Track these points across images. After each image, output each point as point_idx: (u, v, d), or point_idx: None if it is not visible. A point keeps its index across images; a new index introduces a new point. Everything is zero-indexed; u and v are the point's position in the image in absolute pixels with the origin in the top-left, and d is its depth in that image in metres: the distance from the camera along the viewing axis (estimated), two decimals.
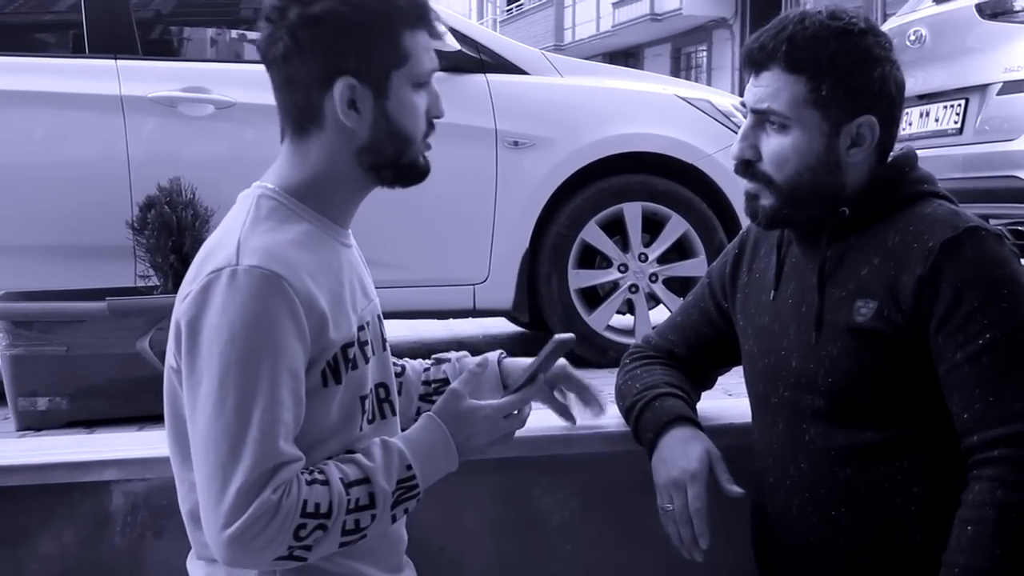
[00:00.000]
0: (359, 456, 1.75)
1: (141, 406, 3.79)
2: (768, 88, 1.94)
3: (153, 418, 3.66)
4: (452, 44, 4.76)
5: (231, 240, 1.70)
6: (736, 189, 5.06)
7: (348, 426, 1.79)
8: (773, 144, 1.95)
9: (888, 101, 1.96)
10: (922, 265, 1.84)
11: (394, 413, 1.92)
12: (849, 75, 1.91)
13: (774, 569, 2.10)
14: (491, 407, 1.87)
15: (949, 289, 1.82)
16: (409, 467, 1.77)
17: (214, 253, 1.71)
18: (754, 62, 1.96)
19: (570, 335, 1.96)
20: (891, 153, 2.02)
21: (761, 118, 1.96)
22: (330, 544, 1.70)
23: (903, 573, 1.91)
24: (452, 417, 1.85)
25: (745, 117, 2.01)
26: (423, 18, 1.79)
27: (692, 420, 2.14)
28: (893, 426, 1.91)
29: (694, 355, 2.28)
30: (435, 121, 1.86)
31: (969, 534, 1.77)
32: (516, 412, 1.91)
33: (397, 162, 1.81)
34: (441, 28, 1.89)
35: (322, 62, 1.74)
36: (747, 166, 1.99)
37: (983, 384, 1.80)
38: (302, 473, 1.67)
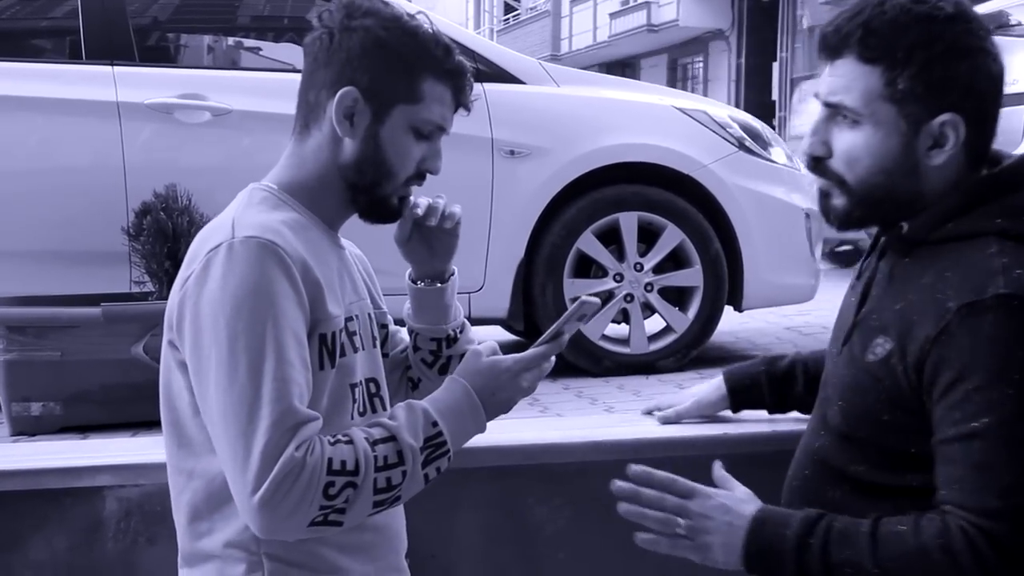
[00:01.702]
0: (382, 419, 1.78)
1: (135, 412, 3.79)
2: (841, 79, 1.77)
3: (147, 424, 3.66)
4: None
5: (226, 222, 1.76)
6: (731, 199, 5.09)
7: (339, 413, 1.81)
8: (845, 141, 1.79)
9: (978, 97, 1.77)
10: (934, 325, 1.69)
11: (384, 408, 1.94)
12: (930, 67, 1.72)
13: None
14: (512, 360, 1.88)
15: (956, 360, 1.67)
16: (435, 424, 1.78)
17: (210, 236, 1.76)
18: (828, 48, 1.79)
19: (595, 299, 1.93)
20: (1005, 160, 1.86)
21: (833, 111, 1.80)
22: (364, 504, 1.70)
23: None
24: (473, 374, 1.86)
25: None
26: (452, 76, 1.87)
27: (730, 378, 2.37)
28: (883, 470, 1.82)
29: None
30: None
31: (888, 532, 1.70)
32: (537, 366, 1.91)
33: (372, 190, 1.88)
34: (471, 97, 1.93)
35: (340, 69, 1.83)
36: (817, 163, 1.84)
37: (969, 469, 1.66)
38: (326, 437, 1.69)
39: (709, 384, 2.44)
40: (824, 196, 1.87)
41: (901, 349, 1.75)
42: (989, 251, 1.72)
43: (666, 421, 2.42)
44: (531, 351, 1.90)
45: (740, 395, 2.38)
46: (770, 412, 2.36)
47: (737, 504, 1.83)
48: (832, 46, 1.79)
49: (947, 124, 1.75)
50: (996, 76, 1.78)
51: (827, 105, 1.82)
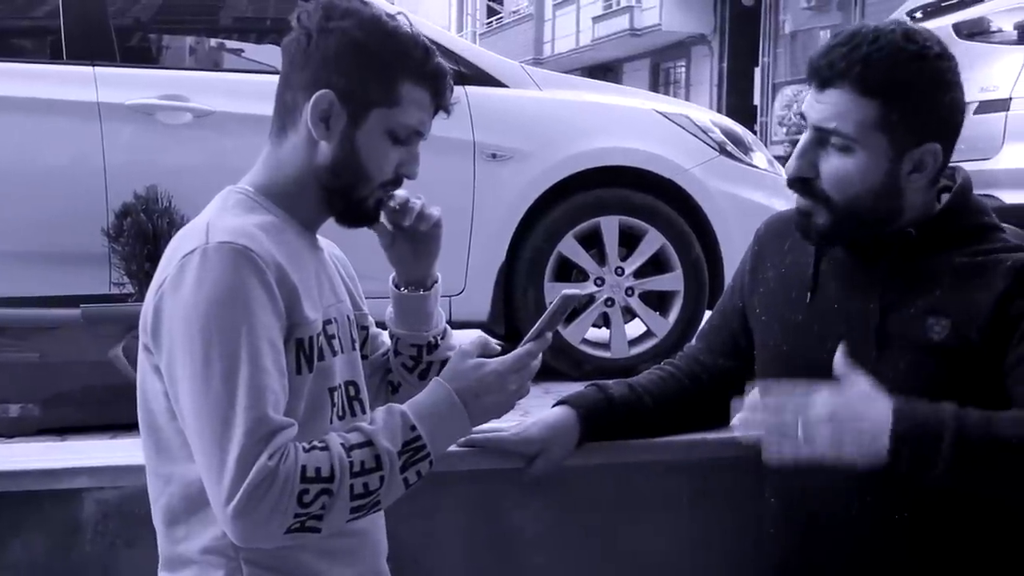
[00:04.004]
0: (360, 423, 1.76)
1: (114, 414, 3.76)
2: (835, 107, 1.90)
3: (126, 426, 3.64)
4: None
5: (200, 227, 1.74)
6: (712, 203, 5.11)
7: (317, 418, 1.79)
8: (835, 165, 1.92)
9: (954, 128, 1.95)
10: (1003, 281, 1.86)
11: (364, 411, 1.92)
12: (921, 102, 1.89)
13: (809, 567, 2.07)
14: (498, 362, 1.85)
15: None
16: (413, 428, 1.76)
17: (185, 240, 1.74)
18: (821, 78, 1.92)
19: (577, 291, 1.94)
20: (953, 175, 2.03)
21: (823, 136, 1.92)
22: (341, 510, 1.69)
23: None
24: (455, 375, 1.84)
25: (791, 131, 1.98)
26: (431, 79, 1.85)
27: (571, 403, 2.21)
28: None
29: (718, 360, 2.27)
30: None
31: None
32: (524, 367, 1.89)
33: (347, 194, 1.86)
34: (451, 100, 1.93)
35: (317, 71, 1.81)
36: (804, 183, 1.96)
37: None
38: (301, 443, 1.67)
39: (549, 427, 2.20)
40: (805, 215, 1.99)
41: (968, 317, 1.88)
42: (1002, 237, 1.95)
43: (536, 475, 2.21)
44: (516, 351, 1.88)
45: (592, 425, 2.22)
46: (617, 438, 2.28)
47: (869, 390, 1.78)
48: (826, 76, 1.91)
49: (928, 152, 1.92)
50: (964, 108, 1.97)
51: (818, 129, 1.93)
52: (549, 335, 1.92)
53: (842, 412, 1.75)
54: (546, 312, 1.91)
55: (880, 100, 1.87)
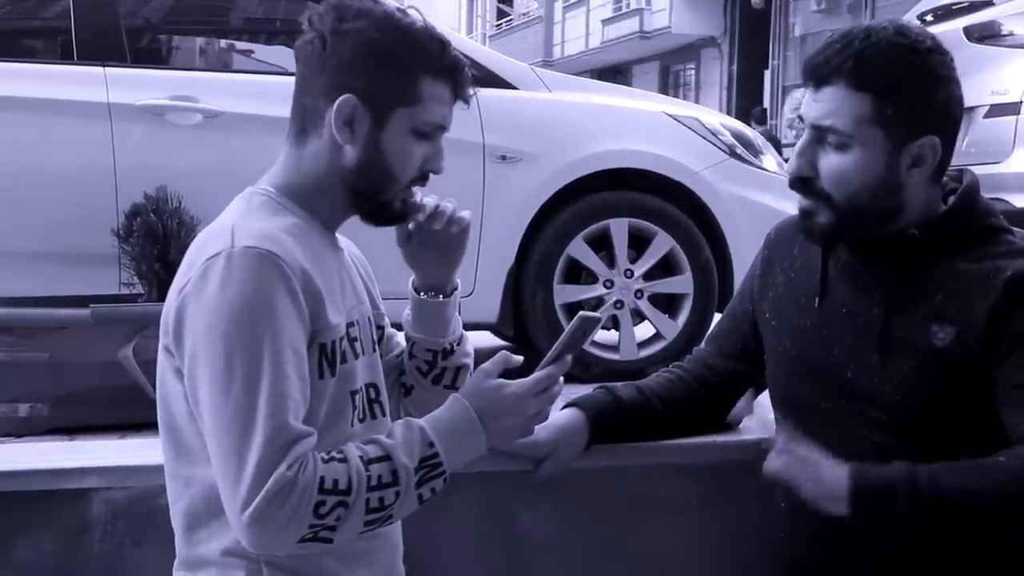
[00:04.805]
0: (379, 436, 1.76)
1: (123, 414, 3.78)
2: (830, 104, 1.90)
3: (135, 426, 3.65)
4: None
5: (225, 229, 1.73)
6: (722, 206, 5.10)
7: (338, 422, 1.79)
8: (833, 162, 1.92)
9: (952, 121, 1.95)
10: (996, 295, 1.85)
11: (384, 414, 1.92)
12: (915, 94, 1.89)
13: (819, 570, 2.07)
14: (518, 384, 1.85)
15: (1021, 318, 1.85)
16: (431, 444, 1.76)
17: (209, 242, 1.73)
18: (816, 76, 1.93)
19: (596, 314, 1.93)
20: (960, 176, 2.02)
21: (820, 134, 1.93)
22: (355, 523, 1.69)
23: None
24: (475, 393, 1.84)
25: (790, 131, 1.98)
26: (449, 72, 1.85)
27: (580, 406, 2.22)
28: (945, 444, 1.90)
29: (727, 363, 2.28)
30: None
31: (988, 462, 1.80)
32: (545, 389, 1.88)
33: (375, 195, 1.85)
34: (470, 91, 1.93)
35: (335, 74, 1.79)
36: (804, 183, 1.96)
37: None
38: (320, 454, 1.67)
39: (558, 430, 2.19)
40: (807, 215, 1.99)
41: (968, 326, 1.88)
42: (1007, 241, 1.94)
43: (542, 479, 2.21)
44: (536, 374, 1.88)
45: (601, 427, 2.23)
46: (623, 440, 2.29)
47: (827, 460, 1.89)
48: (821, 75, 1.92)
49: (926, 146, 1.92)
50: (962, 102, 1.96)
51: (815, 128, 1.94)
52: (569, 358, 1.91)
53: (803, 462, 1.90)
54: (563, 334, 1.90)
55: (873, 94, 1.88)
